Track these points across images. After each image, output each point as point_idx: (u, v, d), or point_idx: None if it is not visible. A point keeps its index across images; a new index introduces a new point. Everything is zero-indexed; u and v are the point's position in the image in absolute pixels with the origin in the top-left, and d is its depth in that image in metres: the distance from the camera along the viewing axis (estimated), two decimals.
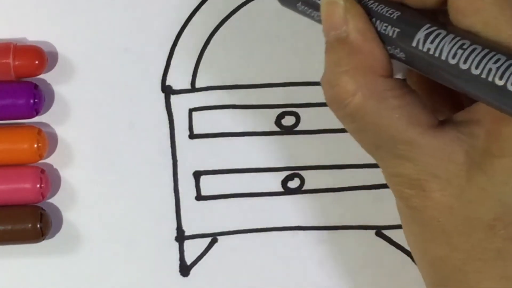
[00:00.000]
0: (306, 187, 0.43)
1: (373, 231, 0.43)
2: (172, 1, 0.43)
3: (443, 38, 0.32)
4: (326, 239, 0.43)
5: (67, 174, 0.43)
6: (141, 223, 0.43)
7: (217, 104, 0.43)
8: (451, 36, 0.32)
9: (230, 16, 0.43)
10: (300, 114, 0.43)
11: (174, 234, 0.43)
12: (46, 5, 0.43)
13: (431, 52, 0.32)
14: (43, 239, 0.42)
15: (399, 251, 0.43)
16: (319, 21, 0.36)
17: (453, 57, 0.31)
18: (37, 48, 0.42)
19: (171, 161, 0.43)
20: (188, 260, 0.43)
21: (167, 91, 0.43)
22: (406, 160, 0.33)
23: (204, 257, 0.43)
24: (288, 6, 0.38)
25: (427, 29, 0.32)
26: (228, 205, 0.43)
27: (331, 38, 0.34)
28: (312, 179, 0.43)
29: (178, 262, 0.43)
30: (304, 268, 0.43)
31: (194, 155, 0.43)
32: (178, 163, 0.43)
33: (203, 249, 0.43)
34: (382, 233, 0.43)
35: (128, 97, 0.43)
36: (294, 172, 0.43)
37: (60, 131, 0.43)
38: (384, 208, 0.43)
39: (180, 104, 0.43)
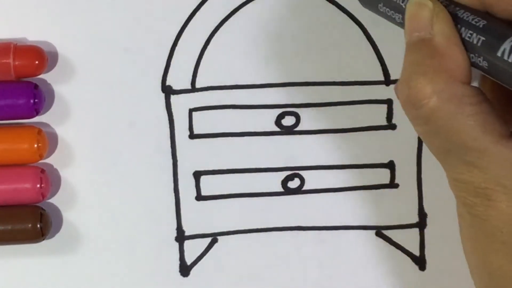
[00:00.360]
0: (306, 187, 0.43)
1: (373, 231, 0.43)
2: (172, 1, 0.43)
3: None
4: (326, 239, 0.43)
5: (67, 174, 0.43)
6: (141, 223, 0.43)
7: (217, 104, 0.43)
8: None
9: (230, 16, 0.43)
10: (300, 114, 0.43)
11: (174, 234, 0.43)
12: (46, 5, 0.43)
13: None
14: (43, 239, 0.42)
15: (399, 251, 0.43)
16: (399, 24, 0.36)
17: None
18: (37, 48, 0.42)
19: (171, 161, 0.43)
20: (188, 260, 0.43)
21: (167, 91, 0.43)
22: (475, 167, 0.32)
23: (204, 257, 0.43)
24: (368, 7, 0.38)
25: None
26: (228, 205, 0.43)
27: (414, 39, 0.34)
28: (312, 179, 0.43)
29: (178, 262, 0.43)
30: (304, 268, 0.43)
31: (194, 155, 0.43)
32: (178, 163, 0.43)
33: (203, 249, 0.43)
34: (382, 233, 0.43)
35: (128, 97, 0.43)
36: (294, 172, 0.43)
37: (60, 131, 0.43)
38: (384, 208, 0.43)
39: (180, 104, 0.43)
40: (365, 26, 0.42)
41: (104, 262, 0.43)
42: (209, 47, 0.43)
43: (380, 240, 0.43)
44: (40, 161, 0.42)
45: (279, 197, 0.43)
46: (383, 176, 0.43)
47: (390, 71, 0.43)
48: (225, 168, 0.43)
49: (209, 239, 0.43)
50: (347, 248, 0.43)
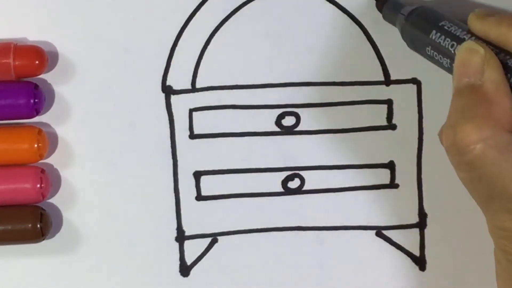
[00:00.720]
0: (306, 187, 0.43)
1: (373, 232, 0.43)
2: (172, 1, 0.43)
3: None
4: (326, 239, 0.43)
5: (67, 174, 0.43)
6: (141, 223, 0.43)
7: (217, 104, 0.43)
8: None
9: (231, 17, 0.43)
10: (300, 115, 0.43)
11: (174, 234, 0.43)
12: (46, 5, 0.43)
13: None
14: (43, 239, 0.42)
15: (399, 252, 0.43)
16: (447, 69, 0.37)
17: None
18: (37, 48, 0.42)
19: (171, 161, 0.43)
20: (188, 260, 0.43)
21: (167, 91, 0.43)
22: None
23: (204, 257, 0.43)
24: (415, 49, 0.40)
25: None
26: (228, 205, 0.43)
27: (463, 84, 0.35)
28: (312, 180, 0.43)
29: (178, 262, 0.43)
30: (304, 268, 0.43)
31: (194, 155, 0.43)
32: (178, 163, 0.43)
33: (203, 249, 0.43)
34: (382, 234, 0.43)
35: (128, 97, 0.43)
36: (294, 172, 0.43)
37: (61, 131, 0.43)
38: (384, 208, 0.43)
39: (181, 104, 0.43)
40: (365, 26, 0.42)
41: (104, 262, 0.43)
42: (209, 47, 0.43)
43: (380, 240, 0.43)
44: (40, 161, 0.42)
45: (279, 197, 0.43)
46: (383, 176, 0.43)
47: (390, 71, 0.43)
48: (225, 168, 0.43)
49: (209, 239, 0.43)
50: (347, 248, 0.43)
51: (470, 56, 0.35)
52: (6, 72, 0.41)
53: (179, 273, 0.43)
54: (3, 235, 0.41)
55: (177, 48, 0.43)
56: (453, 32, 0.38)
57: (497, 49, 0.36)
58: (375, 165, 0.43)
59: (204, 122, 0.43)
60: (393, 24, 0.41)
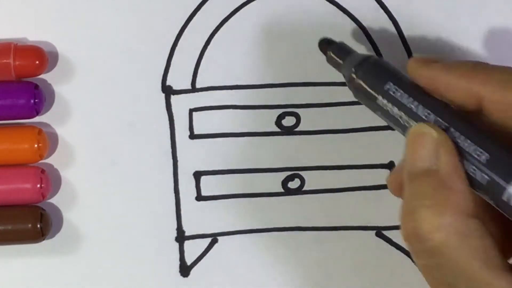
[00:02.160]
0: (306, 187, 0.43)
1: (373, 232, 0.43)
2: (172, 1, 0.43)
3: None
4: (326, 240, 0.43)
5: (67, 174, 0.43)
6: (141, 223, 0.43)
7: (217, 105, 0.43)
8: None
9: (231, 17, 0.43)
10: (300, 115, 0.43)
11: (174, 234, 0.43)
12: (47, 5, 0.43)
13: None
14: (43, 239, 0.42)
15: (399, 252, 0.43)
16: (402, 134, 0.36)
17: None
18: (37, 48, 0.42)
19: (171, 161, 0.43)
20: (188, 261, 0.43)
21: (167, 91, 0.43)
22: None
23: (204, 258, 0.43)
24: (363, 104, 0.37)
25: None
26: (228, 206, 0.43)
27: (416, 170, 0.34)
28: (313, 180, 0.43)
29: (178, 263, 0.43)
30: (304, 269, 0.43)
31: (194, 155, 0.43)
32: (179, 163, 0.43)
33: (203, 249, 0.43)
34: (382, 234, 0.43)
35: (128, 97, 0.43)
36: (294, 172, 0.43)
37: (61, 131, 0.43)
38: (384, 208, 0.43)
39: (180, 104, 0.43)
40: (365, 26, 0.42)
41: (104, 262, 0.43)
42: (209, 47, 0.43)
43: (380, 240, 0.43)
44: (41, 161, 0.42)
45: (279, 197, 0.43)
46: (383, 176, 0.42)
47: None
48: (225, 168, 0.43)
49: (209, 239, 0.43)
50: (347, 248, 0.43)
51: (422, 140, 0.34)
52: (6, 72, 0.41)
53: (179, 273, 0.43)
54: (3, 235, 0.41)
55: (177, 48, 0.43)
56: (399, 99, 0.35)
57: (447, 123, 0.34)
58: (375, 165, 0.43)
59: (204, 122, 0.43)
60: (338, 70, 0.39)
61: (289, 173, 0.43)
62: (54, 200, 0.43)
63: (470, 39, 0.43)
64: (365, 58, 0.37)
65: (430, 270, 0.34)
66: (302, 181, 0.43)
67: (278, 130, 0.43)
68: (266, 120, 0.43)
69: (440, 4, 0.42)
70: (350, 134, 0.43)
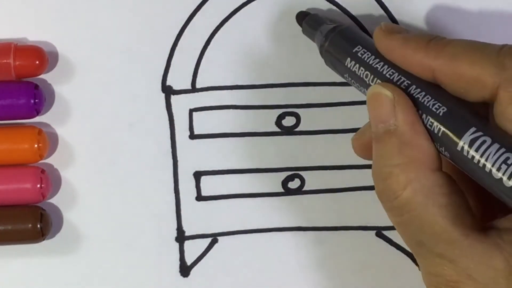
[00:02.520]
0: (306, 187, 0.43)
1: (373, 232, 0.43)
2: (172, 1, 0.43)
3: (488, 148, 0.32)
4: (326, 240, 0.43)
5: (67, 174, 0.43)
6: (141, 223, 0.43)
7: (217, 105, 0.43)
8: (496, 146, 0.32)
9: (231, 17, 0.43)
10: (300, 115, 0.43)
11: (174, 234, 0.43)
12: (47, 5, 0.43)
13: (475, 160, 0.32)
14: (43, 239, 0.42)
15: (399, 252, 0.43)
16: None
17: (498, 171, 0.31)
18: (37, 48, 0.42)
19: (171, 161, 0.43)
20: (188, 261, 0.43)
21: (167, 91, 0.43)
22: (447, 260, 0.32)
23: (204, 258, 0.43)
24: (336, 72, 0.39)
25: (473, 133, 0.32)
26: (228, 206, 0.43)
27: (380, 130, 0.35)
28: (313, 180, 0.43)
29: (178, 263, 0.43)
30: (304, 269, 0.43)
31: (194, 155, 0.43)
32: (179, 163, 0.43)
33: (203, 249, 0.43)
34: (383, 234, 0.43)
35: (128, 97, 0.43)
36: (294, 172, 0.43)
37: (61, 131, 0.43)
38: None
39: (181, 104, 0.43)
40: (365, 26, 0.42)
41: (104, 262, 0.43)
42: (209, 47, 0.43)
43: (380, 240, 0.43)
44: (41, 161, 0.42)
45: (279, 197, 0.43)
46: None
47: None
48: (225, 168, 0.43)
49: (209, 240, 0.43)
50: (347, 248, 0.43)
51: (379, 101, 0.35)
52: (6, 72, 0.41)
53: (179, 273, 0.43)
54: (3, 235, 0.41)
55: (177, 48, 0.43)
56: (366, 60, 0.37)
57: (408, 81, 0.35)
58: None
59: (204, 122, 0.43)
60: (313, 40, 0.41)
61: (289, 173, 0.43)
62: (54, 200, 0.43)
63: (468, 37, 0.42)
64: (336, 26, 0.39)
65: (402, 227, 0.34)
66: (302, 181, 0.43)
67: (278, 130, 0.43)
68: (266, 120, 0.43)
69: (440, 4, 0.42)
70: (350, 134, 0.43)
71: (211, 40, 0.43)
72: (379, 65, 0.36)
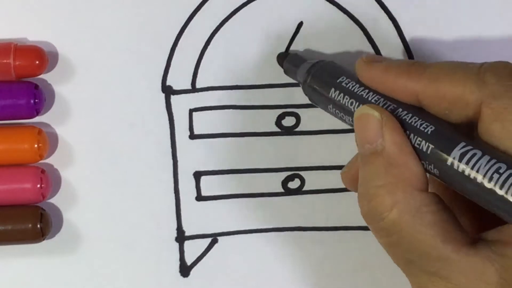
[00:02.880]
0: (306, 187, 0.43)
1: None
2: (172, 1, 0.43)
3: (478, 160, 0.32)
4: (326, 240, 0.43)
5: (67, 174, 0.43)
6: (141, 223, 0.43)
7: (217, 105, 0.43)
8: (486, 158, 0.32)
9: (231, 17, 0.43)
10: (300, 115, 0.43)
11: (174, 234, 0.43)
12: (47, 5, 0.43)
13: (466, 173, 0.32)
14: (43, 239, 0.42)
15: None
16: (351, 125, 0.37)
17: (489, 181, 0.31)
18: (37, 48, 0.42)
19: (171, 161, 0.43)
20: (188, 261, 0.43)
21: (167, 91, 0.43)
22: (439, 277, 0.32)
23: (204, 258, 0.43)
24: (320, 106, 0.39)
25: (462, 147, 0.32)
26: (228, 206, 0.43)
27: (366, 151, 0.35)
28: (313, 180, 0.43)
29: (178, 263, 0.43)
30: (304, 269, 0.43)
31: (194, 155, 0.43)
32: (179, 163, 0.43)
33: (203, 249, 0.43)
34: None
35: (128, 97, 0.43)
36: (294, 172, 0.43)
37: (61, 131, 0.43)
38: None
39: (180, 104, 0.43)
40: (365, 26, 0.42)
41: (104, 262, 0.43)
42: (209, 47, 0.43)
43: None
44: (41, 161, 0.42)
45: (279, 197, 0.43)
46: None
47: None
48: (225, 168, 0.43)
49: (209, 240, 0.43)
50: (347, 248, 0.43)
51: (366, 121, 0.35)
52: (6, 72, 0.41)
53: (179, 273, 0.43)
54: (3, 235, 0.41)
55: (177, 48, 0.43)
56: (350, 88, 0.37)
57: (394, 104, 0.35)
58: None
59: (204, 122, 0.43)
60: (295, 79, 0.41)
61: (289, 173, 0.43)
62: (54, 200, 0.43)
63: (470, 39, 0.43)
64: (317, 61, 0.40)
65: (390, 247, 0.34)
66: (302, 181, 0.43)
67: (278, 130, 0.43)
68: (266, 120, 0.43)
69: (440, 4, 0.42)
70: (350, 134, 0.43)
71: (211, 40, 0.43)
72: (364, 93, 0.37)
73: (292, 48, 0.43)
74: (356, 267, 0.43)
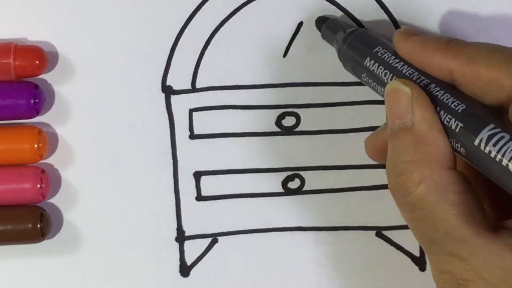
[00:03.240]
0: (306, 187, 0.43)
1: (373, 232, 0.43)
2: (172, 1, 0.43)
3: (506, 143, 0.32)
4: (326, 240, 0.43)
5: (67, 174, 0.43)
6: (141, 223, 0.43)
7: (217, 105, 0.43)
8: None
9: (231, 17, 0.43)
10: (300, 115, 0.43)
11: (174, 234, 0.43)
12: (46, 5, 0.43)
13: (492, 155, 0.32)
14: (43, 239, 0.42)
15: (399, 252, 0.43)
16: (383, 97, 0.36)
17: None
18: (37, 48, 0.42)
19: (171, 161, 0.43)
20: (188, 261, 0.43)
21: (167, 91, 0.43)
22: (458, 258, 0.33)
23: (204, 258, 0.43)
24: (354, 74, 0.39)
25: (491, 129, 0.32)
26: (228, 206, 0.43)
27: (396, 126, 0.35)
28: (313, 180, 0.43)
29: (178, 263, 0.43)
30: (304, 269, 0.43)
31: (194, 155, 0.43)
32: (179, 164, 0.43)
33: (203, 249, 0.43)
34: (382, 234, 0.43)
35: (128, 97, 0.43)
36: (294, 172, 0.43)
37: (61, 131, 0.43)
38: (384, 208, 0.43)
39: (181, 104, 0.43)
40: (365, 26, 0.42)
41: (104, 262, 0.43)
42: (209, 47, 0.43)
43: (380, 240, 0.43)
44: (41, 161, 0.42)
45: (279, 197, 0.43)
46: (383, 176, 0.42)
47: None
48: (225, 168, 0.43)
49: (209, 240, 0.43)
50: (347, 248, 0.43)
51: (397, 96, 0.35)
52: (6, 72, 0.41)
53: (179, 273, 0.43)
54: (3, 235, 0.41)
55: (177, 48, 0.43)
56: (386, 59, 0.37)
57: (427, 79, 0.36)
58: (375, 165, 0.43)
59: (204, 122, 0.43)
60: (331, 44, 0.41)
61: (289, 173, 0.43)
62: (54, 200, 0.43)
63: (470, 39, 0.43)
64: (355, 29, 0.40)
65: (414, 224, 0.34)
66: (302, 181, 0.43)
67: (278, 130, 0.43)
68: (266, 120, 0.43)
69: (440, 4, 0.42)
70: (350, 134, 0.43)
71: (211, 40, 0.43)
72: (399, 65, 0.37)
73: (291, 48, 0.43)
74: (356, 267, 0.43)
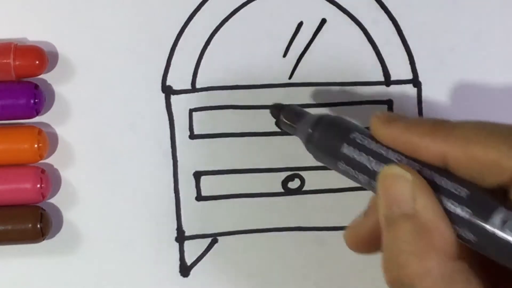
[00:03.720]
0: (306, 187, 0.43)
1: None
2: (172, 1, 0.43)
3: None
4: (326, 239, 0.43)
5: (67, 174, 0.43)
6: (141, 223, 0.43)
7: (217, 105, 0.43)
8: None
9: (231, 17, 0.43)
10: None
11: (174, 234, 0.43)
12: (46, 5, 0.43)
13: (509, 239, 0.30)
14: (43, 239, 0.42)
15: None
16: (364, 184, 0.35)
17: None
18: (37, 48, 0.42)
19: (171, 161, 0.43)
20: (188, 261, 0.43)
21: (167, 91, 0.43)
22: None
23: (204, 258, 0.43)
24: (325, 162, 0.37)
25: (502, 213, 0.31)
26: (228, 206, 0.43)
27: (393, 214, 0.32)
28: (313, 180, 0.43)
29: (178, 263, 0.43)
30: (304, 269, 0.43)
31: (194, 155, 0.43)
32: (179, 164, 0.43)
33: (203, 249, 0.43)
34: None
35: (128, 97, 0.43)
36: (294, 172, 0.43)
37: (61, 131, 0.43)
38: None
39: (181, 104, 0.43)
40: (365, 26, 0.42)
41: (104, 262, 0.43)
42: (209, 47, 0.43)
43: None
44: (41, 161, 0.42)
45: (279, 197, 0.43)
46: None
47: (390, 72, 0.43)
48: (225, 168, 0.43)
49: (209, 240, 0.43)
50: (347, 248, 0.43)
51: (396, 182, 0.33)
52: (6, 72, 0.41)
53: (179, 273, 0.43)
54: (3, 235, 0.41)
55: (177, 48, 0.43)
56: (367, 146, 0.34)
57: (420, 165, 0.33)
58: None
59: (204, 122, 0.43)
60: (293, 133, 0.39)
61: (289, 173, 0.43)
62: (54, 200, 0.43)
63: (470, 39, 0.43)
64: (321, 116, 0.37)
65: None
66: (302, 181, 0.43)
67: (278, 130, 0.43)
68: (266, 120, 0.43)
69: (440, 4, 0.42)
70: None
71: (211, 40, 0.43)
72: (383, 151, 0.34)
73: (291, 48, 0.43)
74: (356, 267, 0.43)
